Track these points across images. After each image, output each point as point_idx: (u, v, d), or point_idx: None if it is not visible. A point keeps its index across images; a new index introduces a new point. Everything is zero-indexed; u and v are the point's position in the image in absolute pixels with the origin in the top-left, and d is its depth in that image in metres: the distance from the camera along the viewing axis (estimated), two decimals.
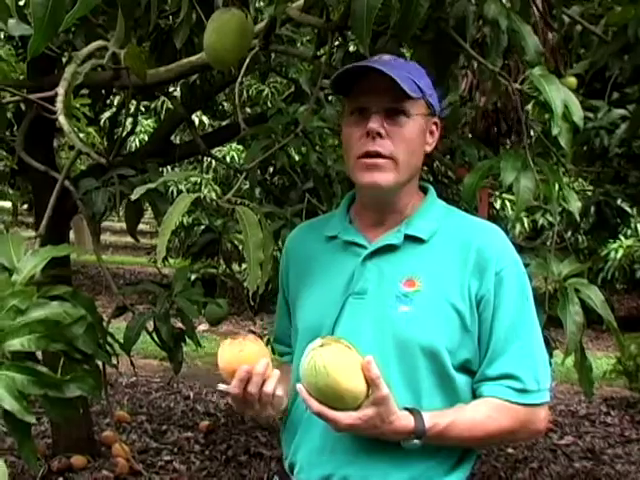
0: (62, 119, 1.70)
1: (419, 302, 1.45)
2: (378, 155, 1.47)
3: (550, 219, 9.02)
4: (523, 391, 1.44)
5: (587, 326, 1.95)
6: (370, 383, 1.34)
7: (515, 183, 1.88)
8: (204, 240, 3.49)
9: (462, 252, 1.47)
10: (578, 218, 1.98)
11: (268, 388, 1.43)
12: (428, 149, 1.55)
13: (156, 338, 2.74)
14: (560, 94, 1.79)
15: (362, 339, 1.44)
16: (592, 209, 4.47)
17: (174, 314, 2.74)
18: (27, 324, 1.40)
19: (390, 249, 1.52)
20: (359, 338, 1.43)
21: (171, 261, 6.63)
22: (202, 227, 3.67)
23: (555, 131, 1.78)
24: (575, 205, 1.95)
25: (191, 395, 5.95)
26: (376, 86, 1.45)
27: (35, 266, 1.56)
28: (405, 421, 1.38)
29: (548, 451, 5.03)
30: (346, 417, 1.34)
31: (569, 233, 8.01)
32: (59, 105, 1.72)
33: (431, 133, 1.55)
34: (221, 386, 1.46)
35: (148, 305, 2.80)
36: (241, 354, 1.40)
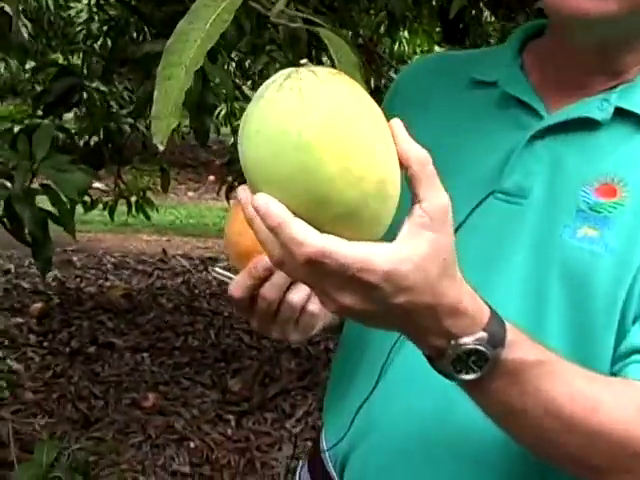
0: None
1: (616, 224, 0.81)
2: None
3: None
4: None
5: None
6: (411, 178, 0.62)
7: None
8: (60, 87, 2.61)
9: None
10: None
11: (294, 296, 0.82)
12: None
13: (9, 225, 1.96)
14: None
15: (506, 268, 0.86)
16: None
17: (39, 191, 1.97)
18: None
19: (585, 126, 0.85)
20: (496, 266, 0.86)
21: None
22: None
23: None
24: None
25: (12, 268, 5.00)
26: None
27: None
28: (473, 298, 0.66)
29: None
30: (383, 255, 0.59)
31: None
32: None
33: None
34: (217, 271, 0.91)
35: None
36: None
